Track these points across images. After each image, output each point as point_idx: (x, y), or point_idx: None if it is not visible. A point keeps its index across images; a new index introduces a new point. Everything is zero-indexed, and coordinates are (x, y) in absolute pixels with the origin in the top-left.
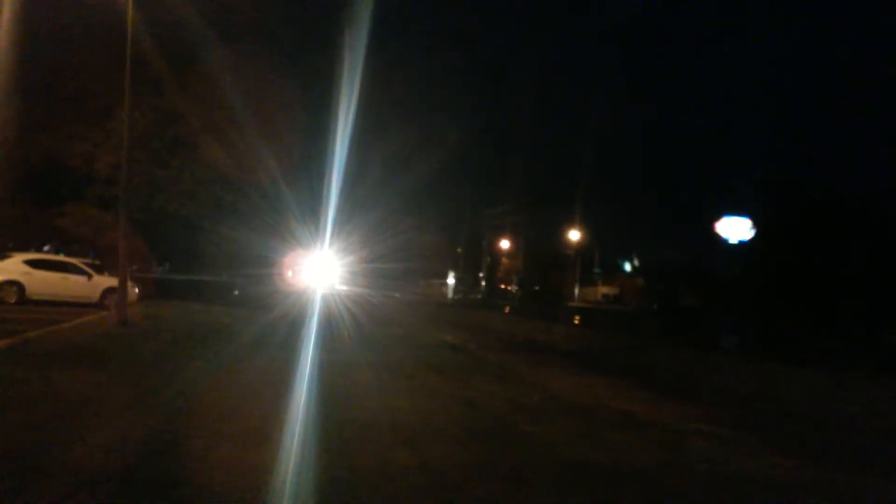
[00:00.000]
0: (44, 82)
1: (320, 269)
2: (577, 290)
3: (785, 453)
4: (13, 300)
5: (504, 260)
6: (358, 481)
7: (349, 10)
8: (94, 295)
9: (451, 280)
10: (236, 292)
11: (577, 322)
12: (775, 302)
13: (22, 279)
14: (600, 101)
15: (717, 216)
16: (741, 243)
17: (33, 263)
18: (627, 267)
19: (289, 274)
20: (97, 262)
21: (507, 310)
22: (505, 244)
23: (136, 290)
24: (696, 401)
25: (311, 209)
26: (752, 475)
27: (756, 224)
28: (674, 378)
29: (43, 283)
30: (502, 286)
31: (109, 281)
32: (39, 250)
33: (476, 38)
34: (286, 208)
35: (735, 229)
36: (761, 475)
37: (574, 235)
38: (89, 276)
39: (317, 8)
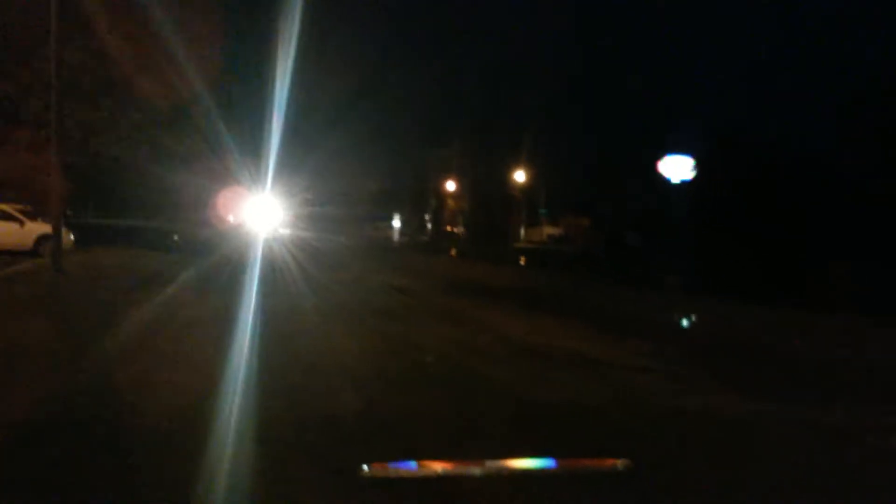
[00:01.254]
0: None
1: (263, 213)
2: (522, 232)
3: (730, 388)
4: None
5: (450, 202)
6: (303, 426)
7: None
8: (28, 242)
9: (396, 223)
10: (175, 237)
11: (523, 263)
12: (718, 239)
13: None
14: (546, 39)
15: (660, 155)
16: (683, 182)
17: None
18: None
19: (230, 217)
20: (29, 209)
21: (453, 252)
22: (451, 186)
23: (72, 237)
24: (645, 338)
25: (253, 151)
26: (700, 409)
27: (698, 163)
28: (622, 317)
29: None
30: (448, 228)
31: (43, 227)
32: None
33: None
34: (226, 150)
35: (677, 169)
36: (709, 409)
37: (520, 177)
38: (21, 223)
39: None
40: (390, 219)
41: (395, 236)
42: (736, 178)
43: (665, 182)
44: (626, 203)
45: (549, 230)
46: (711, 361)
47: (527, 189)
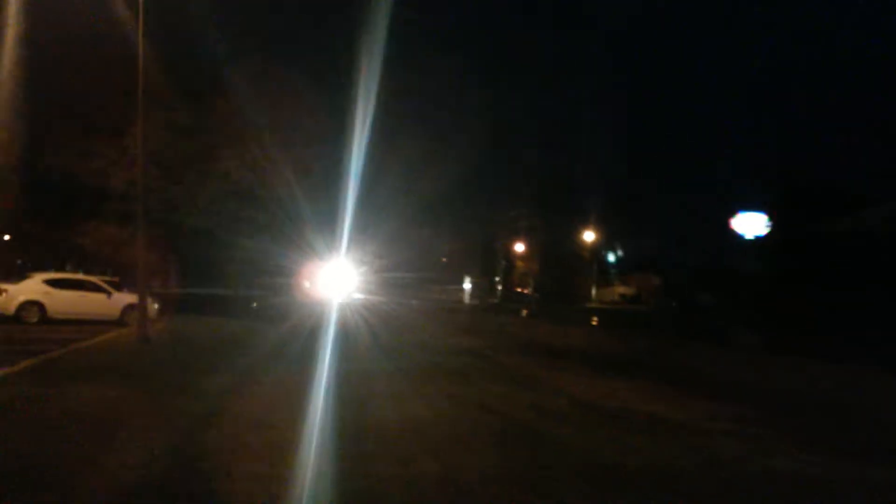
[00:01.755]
0: (58, 101)
1: (337, 279)
2: (594, 291)
3: (812, 449)
4: (34, 320)
5: (519, 263)
6: (380, 492)
7: (365, 21)
8: (115, 312)
9: (467, 285)
10: (254, 304)
11: (595, 324)
12: (793, 298)
13: (43, 299)
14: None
15: (733, 213)
16: (757, 239)
17: (53, 283)
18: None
19: (306, 284)
20: (116, 279)
21: (524, 313)
22: (520, 247)
23: (156, 306)
24: (720, 399)
25: (328, 219)
26: (781, 471)
27: (771, 219)
28: (695, 377)
29: (63, 301)
30: (518, 289)
31: (129, 297)
32: (60, 269)
33: (491, 45)
34: (303, 219)
35: (750, 225)
36: (791, 471)
37: (589, 236)
38: (109, 294)
39: (332, 20)
40: (460, 281)
41: (466, 299)
42: (809, 232)
43: (738, 238)
44: (698, 260)
45: (620, 289)
46: (791, 422)
47: (596, 248)
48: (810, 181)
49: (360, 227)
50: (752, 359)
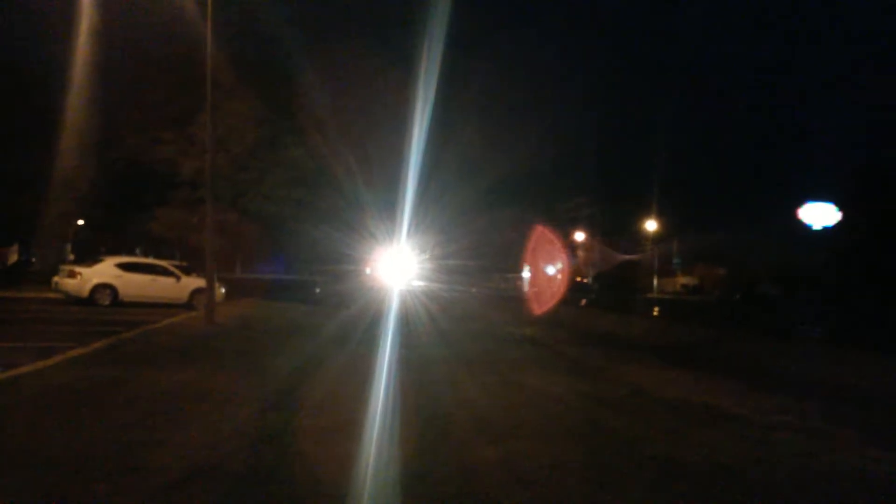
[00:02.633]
0: (128, 90)
1: (397, 266)
2: (655, 282)
3: (880, 445)
4: (107, 302)
5: (580, 252)
6: (442, 477)
7: (428, 8)
8: (183, 296)
9: (525, 274)
10: (317, 290)
11: (656, 314)
12: (860, 290)
13: (115, 282)
14: (677, 90)
15: (801, 202)
16: (826, 229)
17: (125, 266)
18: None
19: (367, 271)
20: (185, 264)
21: (583, 303)
22: (580, 237)
23: (223, 290)
24: (783, 392)
25: (388, 206)
26: (847, 470)
27: (841, 209)
28: (758, 369)
29: (134, 285)
30: (578, 279)
31: (197, 282)
32: (131, 253)
33: (553, 36)
34: (364, 206)
35: (819, 215)
36: (857, 470)
37: (651, 226)
38: (178, 278)
39: (394, 5)
40: (520, 270)
41: (525, 287)
42: (881, 224)
43: (806, 229)
44: (764, 251)
45: (682, 280)
46: (855, 416)
47: (659, 238)
48: (881, 168)
49: (420, 214)
50: (817, 351)
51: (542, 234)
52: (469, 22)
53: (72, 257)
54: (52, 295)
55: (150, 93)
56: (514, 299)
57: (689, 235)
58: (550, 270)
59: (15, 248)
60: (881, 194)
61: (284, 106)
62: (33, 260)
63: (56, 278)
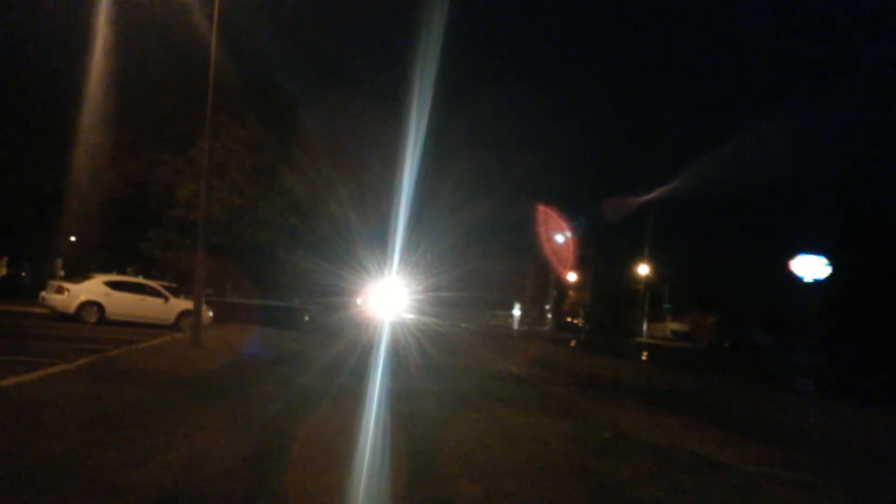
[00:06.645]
0: (131, 111)
1: (387, 298)
2: (645, 326)
3: (864, 500)
4: (93, 320)
5: (571, 293)
6: None
7: (419, 44)
8: (171, 317)
9: (516, 311)
10: (307, 318)
11: (645, 358)
12: (851, 343)
13: (102, 300)
14: (671, 136)
15: (792, 254)
16: (816, 282)
17: (113, 285)
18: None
19: (357, 302)
20: (174, 285)
21: (573, 343)
22: (572, 277)
23: (210, 314)
24: (770, 443)
25: (379, 238)
26: None
27: (831, 263)
28: (746, 418)
29: (122, 304)
30: (568, 319)
31: (185, 304)
32: (122, 271)
33: (542, 71)
34: (355, 237)
35: (810, 268)
36: None
37: (643, 270)
38: (166, 299)
39: (387, 41)
40: (511, 306)
41: (516, 324)
42: (871, 278)
43: (797, 281)
44: (755, 301)
45: (672, 325)
46: (842, 470)
47: (650, 283)
48: (872, 222)
49: (411, 247)
50: (806, 402)
51: (534, 270)
52: (462, 63)
53: (62, 273)
54: (38, 310)
55: (152, 113)
56: (505, 336)
57: (681, 281)
58: (541, 309)
59: (4, 261)
60: (869, 249)
61: (284, 135)
62: (23, 274)
63: (44, 293)
